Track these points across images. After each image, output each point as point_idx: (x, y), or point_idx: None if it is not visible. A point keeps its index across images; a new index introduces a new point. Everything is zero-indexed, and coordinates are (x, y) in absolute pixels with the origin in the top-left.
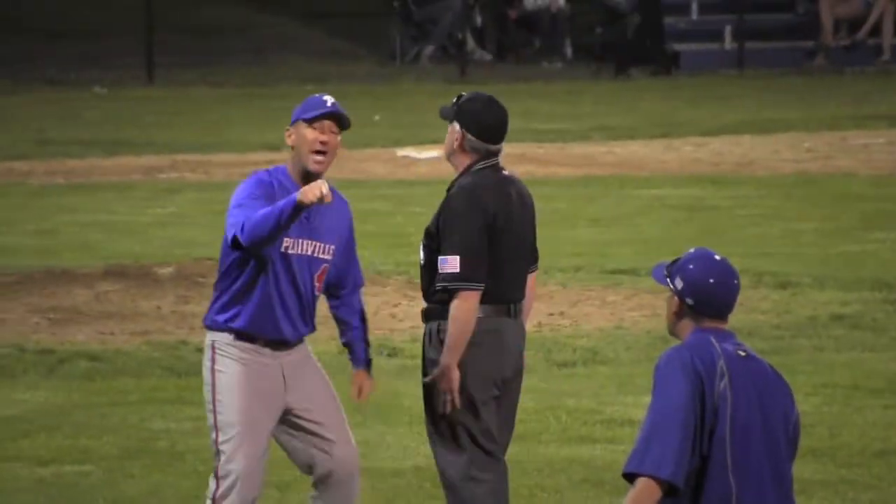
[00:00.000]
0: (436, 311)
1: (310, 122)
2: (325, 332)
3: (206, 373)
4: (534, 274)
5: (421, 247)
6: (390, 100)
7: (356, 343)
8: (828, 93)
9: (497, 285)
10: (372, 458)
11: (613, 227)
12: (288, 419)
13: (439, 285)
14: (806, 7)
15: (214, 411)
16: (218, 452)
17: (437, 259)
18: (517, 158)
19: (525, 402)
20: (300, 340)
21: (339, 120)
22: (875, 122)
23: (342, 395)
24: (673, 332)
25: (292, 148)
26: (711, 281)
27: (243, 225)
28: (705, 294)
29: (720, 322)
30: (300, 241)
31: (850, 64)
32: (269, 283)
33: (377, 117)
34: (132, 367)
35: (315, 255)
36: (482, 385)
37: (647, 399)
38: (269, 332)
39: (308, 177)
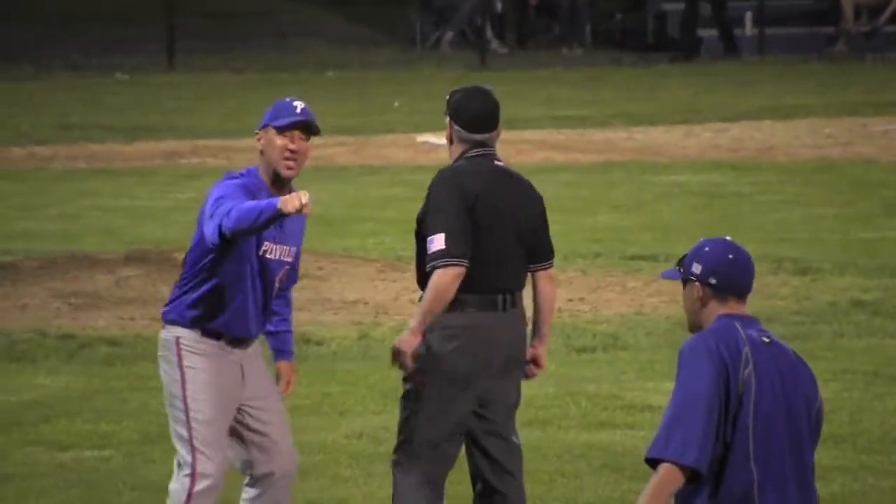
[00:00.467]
0: None
1: (280, 130)
2: (347, 317)
3: (170, 369)
4: (548, 271)
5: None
6: (410, 86)
7: (286, 334)
8: (848, 79)
9: (485, 272)
10: (390, 445)
11: (633, 213)
12: (237, 416)
13: (428, 267)
14: None
15: (186, 408)
16: (193, 450)
17: (426, 245)
18: (537, 145)
19: (545, 387)
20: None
21: (308, 128)
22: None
23: (370, 379)
24: (695, 324)
25: (261, 152)
26: (731, 257)
27: (230, 211)
28: (727, 270)
29: (742, 302)
30: (275, 245)
31: (871, 50)
32: (247, 285)
33: (397, 103)
34: (152, 352)
35: (282, 258)
36: (448, 383)
37: (668, 385)
38: (237, 331)
39: (279, 180)
